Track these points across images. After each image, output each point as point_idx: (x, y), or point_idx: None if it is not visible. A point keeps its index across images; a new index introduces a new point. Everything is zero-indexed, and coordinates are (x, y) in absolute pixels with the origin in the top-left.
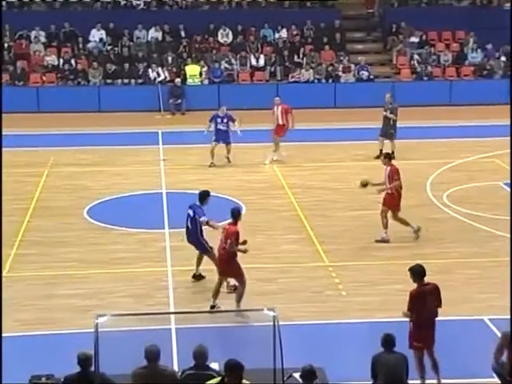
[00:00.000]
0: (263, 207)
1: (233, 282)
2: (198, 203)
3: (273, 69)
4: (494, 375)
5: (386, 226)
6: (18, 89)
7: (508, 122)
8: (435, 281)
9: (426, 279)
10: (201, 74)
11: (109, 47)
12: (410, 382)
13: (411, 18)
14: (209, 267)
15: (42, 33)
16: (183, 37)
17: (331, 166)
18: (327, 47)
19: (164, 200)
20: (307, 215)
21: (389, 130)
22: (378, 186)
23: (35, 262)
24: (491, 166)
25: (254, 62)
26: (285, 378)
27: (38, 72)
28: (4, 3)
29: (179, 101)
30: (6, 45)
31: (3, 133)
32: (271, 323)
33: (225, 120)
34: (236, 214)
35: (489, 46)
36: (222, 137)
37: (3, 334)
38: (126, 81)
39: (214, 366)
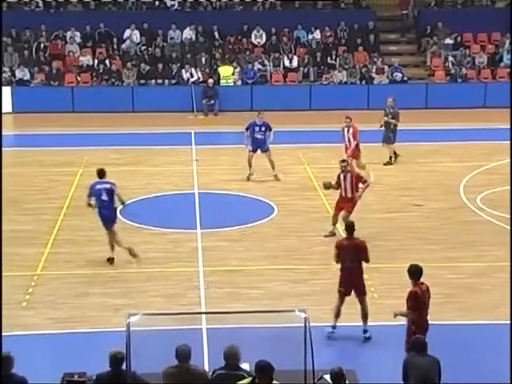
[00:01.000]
0: (295, 208)
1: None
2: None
3: (306, 70)
4: None
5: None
6: (54, 89)
7: None
8: (469, 284)
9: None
10: (233, 75)
11: (143, 47)
12: None
13: (446, 20)
14: (239, 268)
15: (77, 33)
16: (217, 38)
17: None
18: (361, 48)
19: (196, 200)
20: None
21: (388, 134)
22: (334, 187)
23: (68, 260)
24: None
25: (287, 63)
26: (315, 380)
27: (73, 72)
28: (41, 3)
29: (212, 101)
30: (41, 45)
31: (40, 132)
32: (302, 324)
33: (263, 128)
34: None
35: (508, 45)
36: (260, 145)
37: (37, 332)
38: (159, 81)
39: (245, 366)
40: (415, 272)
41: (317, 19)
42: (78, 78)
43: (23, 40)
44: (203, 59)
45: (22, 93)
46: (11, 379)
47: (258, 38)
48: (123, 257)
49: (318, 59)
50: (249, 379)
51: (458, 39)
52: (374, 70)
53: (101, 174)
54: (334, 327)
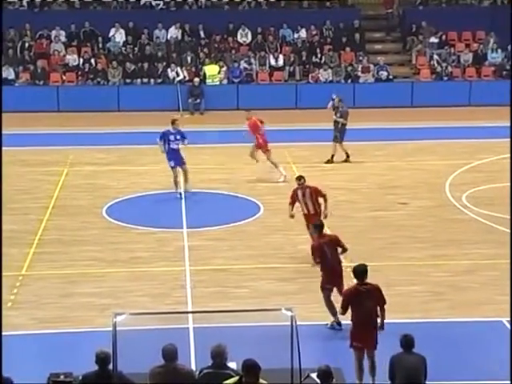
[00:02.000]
0: (280, 207)
1: None
2: None
3: (292, 69)
4: None
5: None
6: (39, 88)
7: None
8: (455, 282)
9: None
10: (219, 74)
11: (128, 47)
12: (428, 383)
13: (431, 18)
14: (226, 267)
15: (63, 32)
16: (202, 37)
17: (349, 166)
18: (346, 47)
19: (182, 199)
20: None
21: (335, 133)
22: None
23: (54, 260)
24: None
25: (273, 62)
26: (302, 379)
27: (58, 71)
28: (25, 3)
29: (198, 100)
30: (26, 44)
31: (22, 131)
32: (289, 323)
33: (178, 137)
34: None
35: (509, 47)
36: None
37: (22, 332)
38: (145, 80)
39: (232, 365)
40: (356, 272)
41: (302, 18)
42: (64, 78)
43: (8, 39)
44: (189, 58)
45: (6, 92)
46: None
47: (244, 36)
48: (110, 256)
49: (304, 58)
50: (236, 378)
51: (443, 38)
52: (359, 69)
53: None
54: (339, 323)
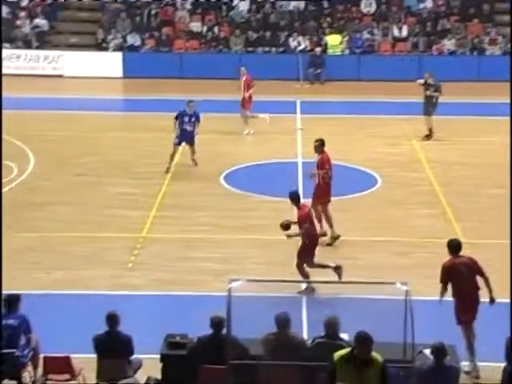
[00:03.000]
0: (399, 180)
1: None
2: None
3: (415, 40)
4: None
5: (330, 225)
6: (163, 55)
7: None
8: None
9: None
10: (341, 44)
11: (252, 15)
12: None
13: None
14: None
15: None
16: (326, 6)
17: (472, 141)
18: (474, 18)
19: (299, 169)
20: (444, 190)
21: (428, 108)
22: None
23: (172, 224)
24: None
25: (396, 32)
26: (415, 354)
27: (182, 38)
28: None
29: (319, 70)
30: (152, 11)
31: (146, 97)
32: (403, 297)
33: (192, 119)
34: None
35: None
36: (186, 138)
37: (142, 293)
38: (266, 49)
39: (344, 336)
40: (451, 246)
41: None
42: (187, 45)
43: (135, 6)
44: (311, 27)
45: (132, 58)
46: (118, 336)
47: (368, 6)
48: (226, 222)
49: (429, 29)
50: (348, 349)
51: None
52: (486, 41)
53: None
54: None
